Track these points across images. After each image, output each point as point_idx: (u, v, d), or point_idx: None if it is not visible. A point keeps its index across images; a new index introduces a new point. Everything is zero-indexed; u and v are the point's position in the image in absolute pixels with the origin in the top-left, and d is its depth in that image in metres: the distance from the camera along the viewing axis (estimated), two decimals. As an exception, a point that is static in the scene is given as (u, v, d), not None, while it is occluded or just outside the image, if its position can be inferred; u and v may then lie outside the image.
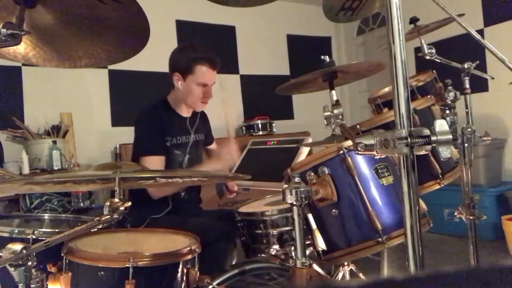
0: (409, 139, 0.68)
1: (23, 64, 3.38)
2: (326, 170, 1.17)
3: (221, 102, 2.06)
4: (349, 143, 1.17)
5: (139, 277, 1.04)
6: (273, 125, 4.26)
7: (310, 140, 2.07)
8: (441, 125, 0.67)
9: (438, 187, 1.49)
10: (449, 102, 1.73)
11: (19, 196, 2.98)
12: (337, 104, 1.37)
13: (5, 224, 1.46)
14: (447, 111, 1.71)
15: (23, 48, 1.11)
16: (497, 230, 3.12)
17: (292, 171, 1.20)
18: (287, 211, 1.55)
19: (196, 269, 1.17)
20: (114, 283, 1.08)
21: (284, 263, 1.43)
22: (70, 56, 1.20)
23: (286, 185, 1.06)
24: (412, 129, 0.68)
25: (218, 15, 4.36)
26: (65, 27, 1.08)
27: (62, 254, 1.12)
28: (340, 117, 1.34)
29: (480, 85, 3.45)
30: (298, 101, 4.86)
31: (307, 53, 4.53)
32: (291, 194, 1.03)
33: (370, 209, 1.14)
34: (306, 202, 1.05)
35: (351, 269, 1.77)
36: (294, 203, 1.03)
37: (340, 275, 1.75)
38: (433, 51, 1.62)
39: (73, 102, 3.72)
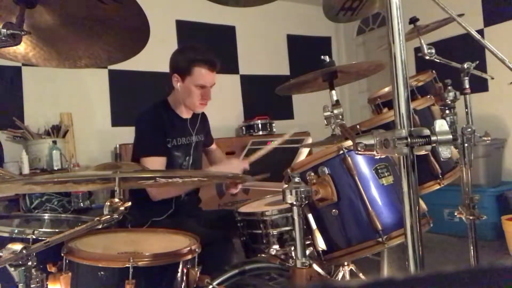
0: (409, 139, 0.68)
1: (23, 64, 3.38)
2: (326, 170, 1.18)
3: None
4: (349, 143, 1.17)
5: (139, 277, 1.04)
6: (273, 125, 4.27)
7: (310, 140, 2.07)
8: (441, 125, 0.67)
9: (438, 187, 1.49)
10: (449, 102, 1.73)
11: (19, 196, 2.98)
12: (337, 104, 1.37)
13: (5, 224, 1.45)
14: (447, 111, 1.71)
15: (23, 48, 1.11)
16: (497, 230, 3.12)
17: (292, 171, 1.20)
18: (287, 211, 1.55)
19: (196, 269, 1.17)
20: (114, 283, 1.08)
21: (284, 263, 1.43)
22: (70, 56, 1.20)
23: (286, 185, 1.06)
24: (412, 129, 0.68)
25: (218, 15, 4.36)
26: (65, 27, 1.08)
27: (62, 254, 1.12)
28: (340, 117, 1.34)
29: (480, 85, 3.45)
30: (298, 101, 4.86)
31: (307, 53, 4.53)
32: (291, 194, 1.03)
33: (370, 209, 1.14)
34: (306, 202, 1.05)
35: (351, 269, 1.77)
36: (294, 203, 1.03)
37: (340, 275, 1.75)
38: (433, 51, 1.62)
39: (73, 102, 3.72)
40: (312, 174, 1.19)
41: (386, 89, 2.06)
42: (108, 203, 0.98)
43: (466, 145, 1.45)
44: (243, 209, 1.73)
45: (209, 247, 1.41)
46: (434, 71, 2.00)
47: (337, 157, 1.18)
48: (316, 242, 1.20)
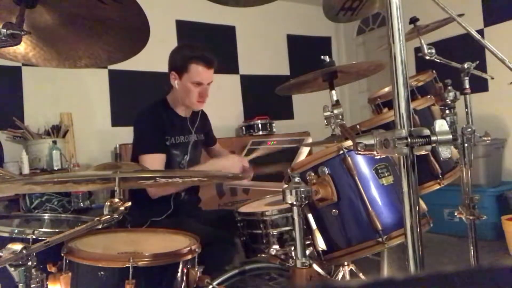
0: (409, 139, 0.68)
1: (23, 64, 3.38)
2: (326, 170, 1.18)
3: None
4: (349, 143, 1.17)
5: (139, 277, 1.04)
6: (273, 125, 4.27)
7: (310, 140, 2.07)
8: (441, 125, 0.67)
9: (438, 187, 1.49)
10: (449, 102, 1.73)
11: (19, 196, 2.98)
12: (337, 104, 1.37)
13: (5, 224, 1.45)
14: (447, 111, 1.71)
15: (23, 48, 1.11)
16: (497, 230, 3.12)
17: (292, 171, 1.20)
18: (287, 211, 1.55)
19: (196, 269, 1.17)
20: (114, 283, 1.08)
21: (284, 263, 1.43)
22: (70, 56, 1.20)
23: (286, 185, 1.06)
24: (412, 129, 0.68)
25: (218, 15, 4.36)
26: (65, 27, 1.08)
27: (62, 254, 1.12)
28: (340, 117, 1.34)
29: (480, 85, 3.45)
30: (298, 101, 4.86)
31: (307, 53, 4.53)
32: (291, 194, 1.03)
33: (370, 209, 1.14)
34: (306, 202, 1.05)
35: (351, 269, 1.77)
36: (294, 203, 1.03)
37: (340, 275, 1.75)
38: (433, 51, 1.62)
39: (73, 102, 3.71)
40: (312, 174, 1.19)
41: (386, 89, 2.06)
42: (108, 203, 0.98)
43: (466, 145, 1.45)
44: (243, 209, 1.73)
45: (209, 247, 1.41)
46: (434, 71, 2.00)
47: (337, 157, 1.18)
48: (316, 242, 1.20)
